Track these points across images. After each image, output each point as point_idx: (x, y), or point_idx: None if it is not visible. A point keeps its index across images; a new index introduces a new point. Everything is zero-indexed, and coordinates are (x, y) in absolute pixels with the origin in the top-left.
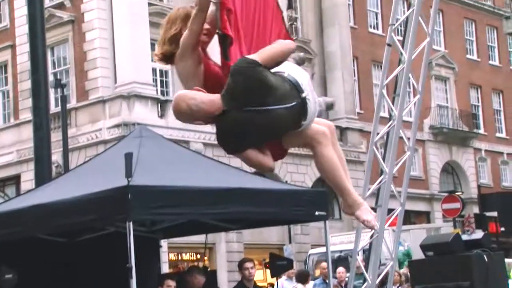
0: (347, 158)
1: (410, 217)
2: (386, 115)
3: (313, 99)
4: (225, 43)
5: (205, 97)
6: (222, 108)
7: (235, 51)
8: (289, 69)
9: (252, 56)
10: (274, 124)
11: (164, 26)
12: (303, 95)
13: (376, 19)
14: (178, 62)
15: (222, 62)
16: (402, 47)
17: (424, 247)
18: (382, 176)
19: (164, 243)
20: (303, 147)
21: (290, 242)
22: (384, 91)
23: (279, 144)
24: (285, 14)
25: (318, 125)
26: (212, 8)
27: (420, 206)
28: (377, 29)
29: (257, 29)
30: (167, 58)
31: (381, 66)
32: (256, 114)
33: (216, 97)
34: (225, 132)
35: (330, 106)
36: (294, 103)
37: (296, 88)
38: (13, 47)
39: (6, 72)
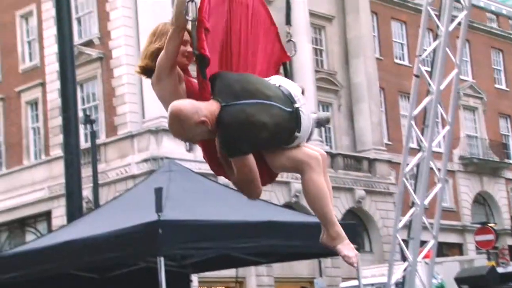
0: (376, 190)
1: (443, 249)
2: (415, 145)
3: (307, 114)
4: (203, 63)
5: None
6: (220, 104)
7: (210, 70)
8: (281, 81)
9: None
10: (274, 122)
11: (148, 38)
12: (296, 105)
13: (402, 50)
14: (155, 84)
15: (199, 80)
16: (430, 78)
17: (459, 280)
18: (413, 208)
19: (194, 278)
20: (293, 171)
21: (320, 275)
22: (413, 122)
23: (266, 169)
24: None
25: (311, 150)
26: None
27: (453, 238)
28: (403, 60)
29: (245, 45)
30: (146, 71)
31: (408, 97)
32: (255, 107)
33: (209, 101)
34: (229, 128)
35: (325, 121)
36: (290, 109)
37: (288, 98)
38: (43, 85)
39: (37, 109)
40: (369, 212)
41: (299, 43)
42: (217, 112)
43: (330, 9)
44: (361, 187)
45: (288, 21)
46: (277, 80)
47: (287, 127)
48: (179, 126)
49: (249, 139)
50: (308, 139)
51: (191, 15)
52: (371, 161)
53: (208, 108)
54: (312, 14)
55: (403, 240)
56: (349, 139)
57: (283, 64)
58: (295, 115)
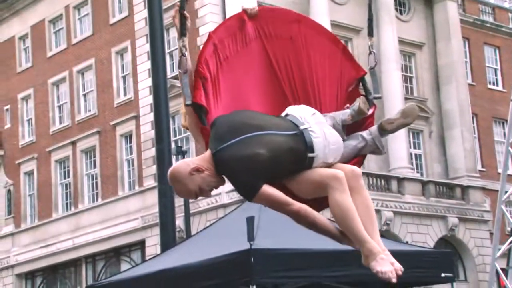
0: (470, 217)
1: None
2: (511, 172)
3: (322, 133)
4: (199, 111)
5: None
6: (211, 152)
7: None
8: (289, 110)
9: None
10: (268, 148)
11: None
12: (302, 127)
13: (495, 75)
14: (198, 144)
15: (200, 127)
16: None
17: None
18: None
19: None
20: (319, 195)
21: None
22: (510, 148)
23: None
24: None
25: (331, 169)
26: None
27: None
28: (497, 85)
29: (300, 77)
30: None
31: (503, 123)
32: (241, 143)
33: (204, 154)
34: (230, 176)
35: (360, 111)
36: (292, 132)
37: (293, 122)
38: (137, 118)
39: (131, 141)
40: (463, 240)
41: (388, 70)
42: (210, 158)
43: (419, 36)
44: (454, 214)
45: (370, 33)
46: (287, 110)
47: (292, 149)
48: (179, 183)
49: (250, 175)
50: (376, 150)
51: (183, 68)
52: (464, 188)
53: (199, 158)
54: (401, 42)
55: (501, 269)
56: (441, 166)
57: (361, 80)
58: (302, 137)
